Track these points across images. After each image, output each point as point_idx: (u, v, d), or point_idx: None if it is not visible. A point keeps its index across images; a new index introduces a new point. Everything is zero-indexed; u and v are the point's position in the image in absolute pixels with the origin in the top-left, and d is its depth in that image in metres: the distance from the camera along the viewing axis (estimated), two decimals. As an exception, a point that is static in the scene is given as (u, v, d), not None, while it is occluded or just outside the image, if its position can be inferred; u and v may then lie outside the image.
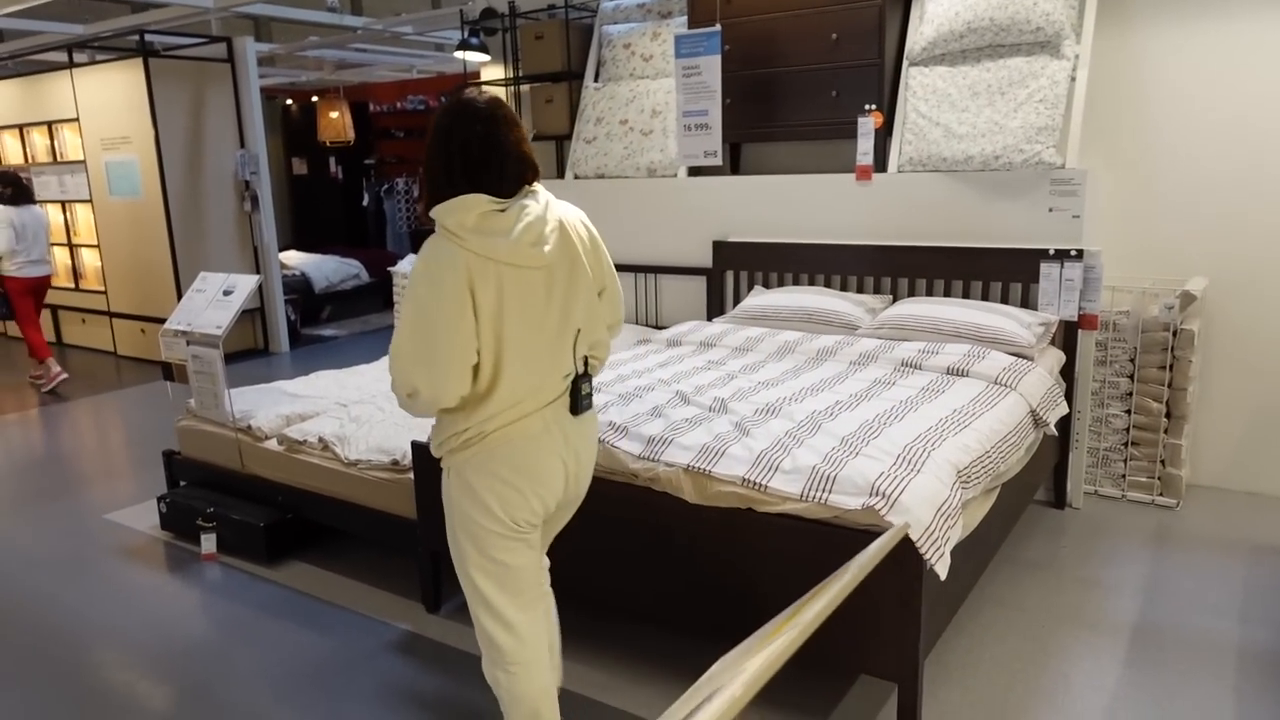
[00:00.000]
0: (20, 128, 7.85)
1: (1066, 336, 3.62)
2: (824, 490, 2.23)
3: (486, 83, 5.58)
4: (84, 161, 7.31)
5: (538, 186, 1.96)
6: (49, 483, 4.54)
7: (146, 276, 7.13)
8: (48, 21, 6.98)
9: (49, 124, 7.56)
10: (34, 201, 6.45)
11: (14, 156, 8.05)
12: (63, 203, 7.73)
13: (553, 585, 2.28)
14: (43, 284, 6.41)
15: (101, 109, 7.03)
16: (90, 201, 7.38)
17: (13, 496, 4.36)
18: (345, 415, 3.55)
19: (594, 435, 2.09)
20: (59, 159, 7.61)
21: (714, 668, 0.97)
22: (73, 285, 7.91)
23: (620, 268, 4.72)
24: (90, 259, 7.69)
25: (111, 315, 7.58)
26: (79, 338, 8.02)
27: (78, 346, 8.05)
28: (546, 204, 1.93)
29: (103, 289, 7.57)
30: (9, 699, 2.67)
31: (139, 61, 6.61)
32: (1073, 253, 3.48)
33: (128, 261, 7.25)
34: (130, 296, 7.35)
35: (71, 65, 7.19)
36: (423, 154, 1.92)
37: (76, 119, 7.25)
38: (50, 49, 7.38)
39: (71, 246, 7.83)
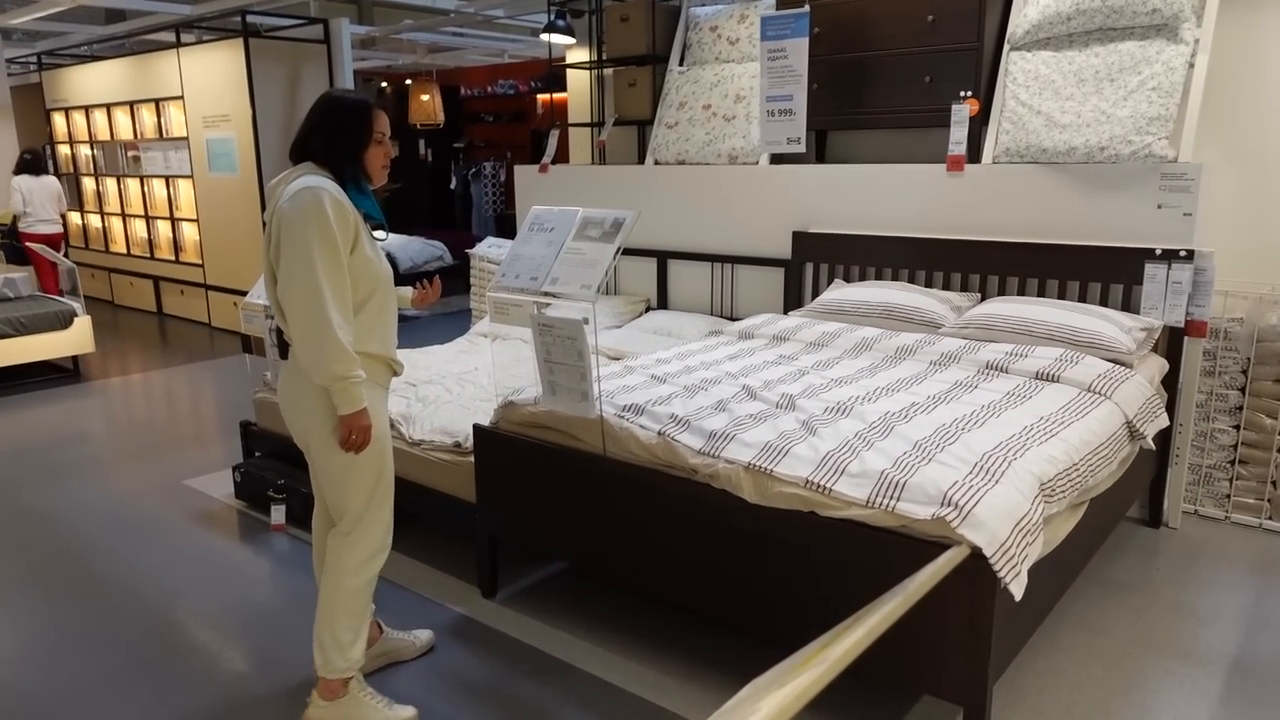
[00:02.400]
0: (131, 104, 8.19)
1: (1171, 344, 3.37)
2: (892, 497, 2.10)
3: (570, 65, 5.54)
4: (187, 138, 7.58)
5: (304, 167, 2.29)
6: (136, 446, 4.71)
7: (240, 251, 7.37)
8: (160, 2, 7.25)
9: (156, 101, 7.87)
10: (46, 173, 7.62)
11: (124, 132, 8.41)
12: (167, 178, 8.04)
13: (608, 578, 2.23)
14: (48, 240, 7.54)
15: (204, 88, 7.27)
16: (191, 177, 7.65)
17: (102, 458, 4.54)
18: (413, 395, 3.56)
19: (290, 388, 2.31)
20: (164, 135, 7.92)
21: (742, 692, 0.89)
22: (173, 258, 8.24)
23: (696, 256, 4.62)
24: (190, 233, 7.98)
25: (207, 288, 7.86)
26: (177, 308, 8.35)
27: (176, 316, 8.39)
28: (294, 186, 2.21)
29: (200, 262, 7.85)
30: (85, 651, 2.76)
31: (240, 42, 6.80)
32: (1182, 253, 3.23)
33: (223, 236, 7.50)
34: (225, 270, 7.61)
35: (179, 45, 7.45)
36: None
37: (181, 97, 7.52)
38: (160, 29, 7.67)
39: (173, 220, 8.14)
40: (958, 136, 3.72)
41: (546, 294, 2.59)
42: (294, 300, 2.16)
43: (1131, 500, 3.25)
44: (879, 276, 4.02)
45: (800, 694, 0.78)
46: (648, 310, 4.84)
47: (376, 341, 2.35)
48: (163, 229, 8.33)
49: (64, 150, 9.43)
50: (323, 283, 2.15)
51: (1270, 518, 3.52)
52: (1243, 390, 3.52)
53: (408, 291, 2.72)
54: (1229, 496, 3.59)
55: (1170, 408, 3.36)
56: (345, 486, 2.34)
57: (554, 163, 5.21)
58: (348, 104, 2.31)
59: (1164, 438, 3.43)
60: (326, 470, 2.33)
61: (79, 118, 8.99)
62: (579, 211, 2.66)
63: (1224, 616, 2.88)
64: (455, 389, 3.62)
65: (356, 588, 2.37)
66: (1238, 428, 3.55)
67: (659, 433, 2.50)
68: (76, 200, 9.47)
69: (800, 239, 4.21)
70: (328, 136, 2.28)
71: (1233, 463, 3.57)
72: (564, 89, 5.96)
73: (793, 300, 4.28)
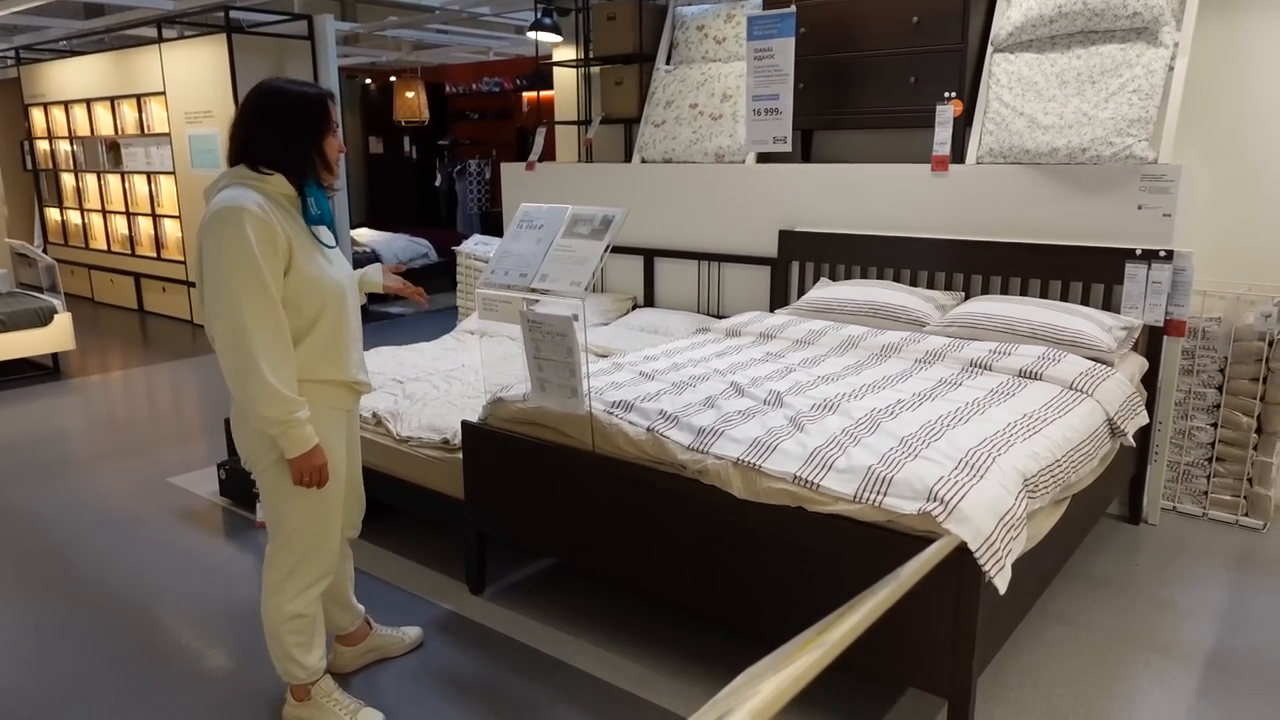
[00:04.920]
0: (111, 100, 8.12)
1: (1150, 342, 3.42)
2: (879, 493, 2.13)
3: (557, 63, 5.54)
4: (169, 134, 7.52)
5: (232, 174, 2.09)
6: (118, 444, 4.68)
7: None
8: (141, -4, 7.20)
9: (138, 97, 7.81)
10: None
11: (105, 127, 8.34)
12: (148, 174, 7.97)
13: (597, 574, 2.23)
14: None
15: (186, 83, 7.22)
16: (173, 173, 7.59)
17: (84, 456, 4.50)
18: (400, 392, 3.56)
19: (237, 410, 2.17)
20: (146, 131, 7.85)
21: (736, 680, 0.90)
22: (154, 254, 8.17)
23: (683, 255, 4.64)
24: (172, 229, 7.92)
25: (189, 285, 7.80)
26: (159, 305, 8.29)
27: (157, 314, 8.32)
28: (214, 203, 2.03)
29: (182, 259, 7.79)
30: (69, 649, 2.75)
31: (223, 37, 6.76)
32: (1161, 253, 3.28)
33: (206, 233, 7.44)
34: (207, 267, 7.54)
35: (160, 40, 7.39)
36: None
37: (163, 93, 7.46)
38: (141, 24, 7.60)
39: (155, 216, 8.07)
40: (942, 137, 3.76)
41: (536, 291, 2.59)
42: (218, 338, 2.00)
43: (1112, 497, 3.30)
44: (864, 275, 4.06)
45: (799, 677, 0.79)
46: (634, 308, 4.85)
47: (331, 365, 2.16)
48: (144, 225, 8.26)
49: (43, 146, 9.32)
50: (247, 320, 1.96)
51: (1246, 514, 3.58)
52: (1220, 389, 3.58)
53: (377, 274, 2.49)
54: (1207, 493, 3.65)
55: (1150, 406, 3.41)
56: (288, 516, 2.21)
57: (541, 160, 5.21)
58: (297, 94, 2.09)
59: (1143, 435, 3.48)
60: (269, 498, 2.21)
61: (58, 113, 8.90)
62: (568, 209, 2.67)
63: (1202, 612, 2.93)
64: (443, 386, 3.62)
65: (298, 611, 2.27)
66: (1215, 426, 3.60)
67: (648, 429, 2.52)
68: (55, 197, 9.37)
69: (786, 237, 4.24)
70: (280, 133, 2.07)
71: (1210, 460, 3.63)
72: (550, 87, 5.96)
73: (779, 298, 4.30)
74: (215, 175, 7.21)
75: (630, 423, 2.57)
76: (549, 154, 5.54)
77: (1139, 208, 3.37)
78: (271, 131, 2.07)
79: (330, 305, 2.14)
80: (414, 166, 11.63)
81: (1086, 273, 3.46)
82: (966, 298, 3.77)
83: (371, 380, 3.69)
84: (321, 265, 2.14)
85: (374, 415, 3.38)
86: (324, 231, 2.19)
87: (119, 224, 8.58)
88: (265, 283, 1.98)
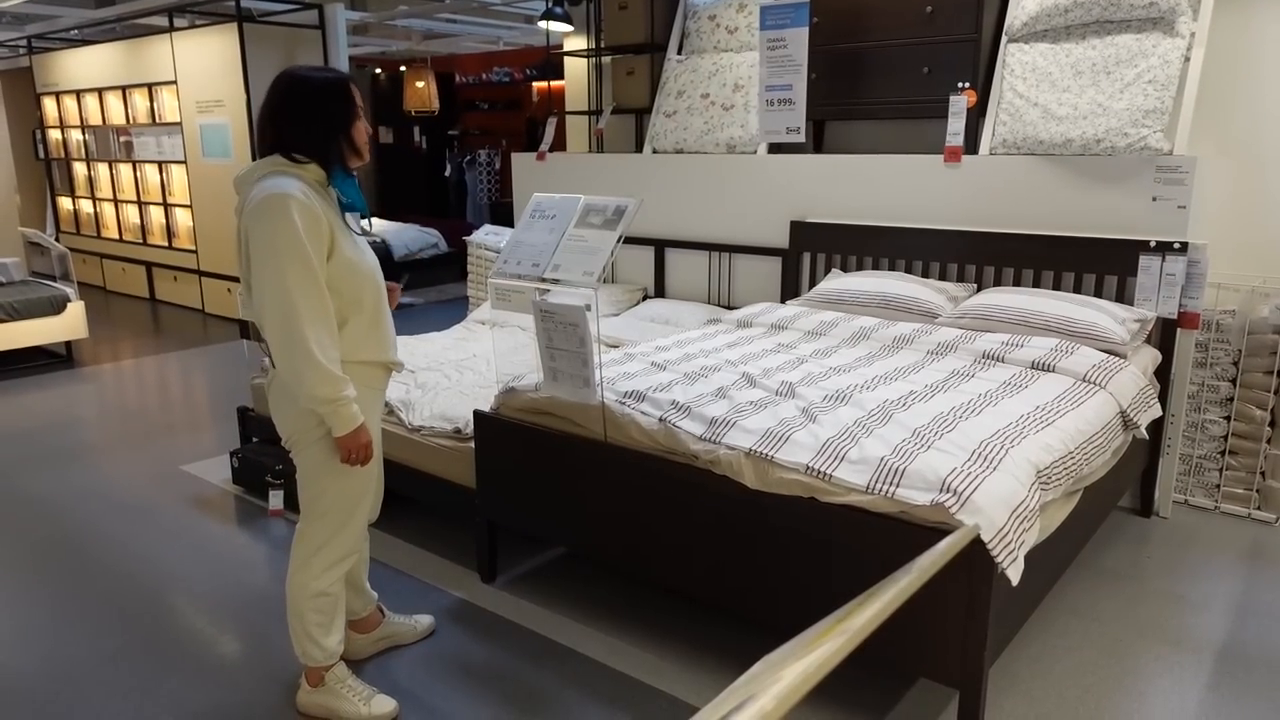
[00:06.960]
0: (123, 89, 8.14)
1: (1164, 335, 3.40)
2: (891, 484, 2.13)
3: (567, 53, 5.53)
4: (180, 123, 7.54)
5: (268, 163, 2.12)
6: (132, 432, 4.71)
7: (234, 237, 7.32)
8: (152, -15, 7.20)
9: (149, 86, 7.82)
10: None
11: (116, 117, 8.36)
12: (159, 163, 8.00)
13: (607, 563, 2.25)
14: None
15: (197, 73, 7.23)
16: (185, 163, 7.61)
17: (98, 444, 4.53)
18: (412, 381, 3.57)
19: (279, 388, 2.21)
20: (157, 120, 7.87)
21: (754, 668, 0.91)
22: (166, 244, 8.20)
23: (694, 245, 4.64)
24: (183, 218, 7.94)
25: (201, 274, 7.83)
26: (170, 294, 8.32)
27: (169, 303, 8.36)
28: (258, 191, 2.07)
29: (193, 248, 7.82)
30: (83, 635, 2.77)
31: (234, 26, 6.76)
32: (1176, 245, 3.26)
33: (217, 222, 7.47)
34: (219, 256, 7.57)
35: (172, 29, 7.40)
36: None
37: (174, 82, 7.47)
38: (153, 13, 7.61)
39: (166, 206, 8.10)
40: (955, 128, 3.74)
41: (548, 281, 2.60)
42: (269, 322, 2.05)
43: (1124, 490, 3.29)
44: (876, 266, 4.05)
45: (822, 664, 0.80)
46: (645, 299, 4.86)
47: (374, 346, 2.24)
48: (155, 214, 8.29)
49: (55, 135, 9.35)
50: (298, 303, 2.02)
51: (1259, 508, 3.56)
52: (1233, 382, 3.56)
53: None
54: (1219, 486, 3.63)
55: (1162, 398, 3.40)
56: (326, 492, 2.26)
57: (551, 151, 5.21)
58: (321, 82, 2.12)
59: (1156, 428, 3.47)
60: (308, 474, 2.25)
61: (70, 102, 8.93)
62: (581, 199, 2.67)
63: (1214, 605, 2.92)
64: (454, 376, 3.63)
65: (323, 589, 2.31)
66: (1228, 419, 3.59)
67: (660, 419, 2.52)
68: (67, 185, 9.41)
69: (798, 228, 4.23)
70: (307, 121, 2.10)
71: (1223, 453, 3.61)
72: (561, 77, 5.95)
73: (790, 290, 4.30)
74: (226, 164, 7.23)
75: (642, 413, 2.58)
76: (559, 144, 5.54)
77: (1153, 199, 3.35)
78: (300, 121, 2.12)
79: (368, 285, 2.20)
80: (424, 156, 11.63)
81: (1100, 265, 3.44)
82: (979, 289, 3.76)
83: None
84: (359, 249, 2.21)
85: (385, 404, 3.39)
86: (355, 219, 2.24)
87: (130, 213, 8.60)
88: (312, 267, 2.05)
